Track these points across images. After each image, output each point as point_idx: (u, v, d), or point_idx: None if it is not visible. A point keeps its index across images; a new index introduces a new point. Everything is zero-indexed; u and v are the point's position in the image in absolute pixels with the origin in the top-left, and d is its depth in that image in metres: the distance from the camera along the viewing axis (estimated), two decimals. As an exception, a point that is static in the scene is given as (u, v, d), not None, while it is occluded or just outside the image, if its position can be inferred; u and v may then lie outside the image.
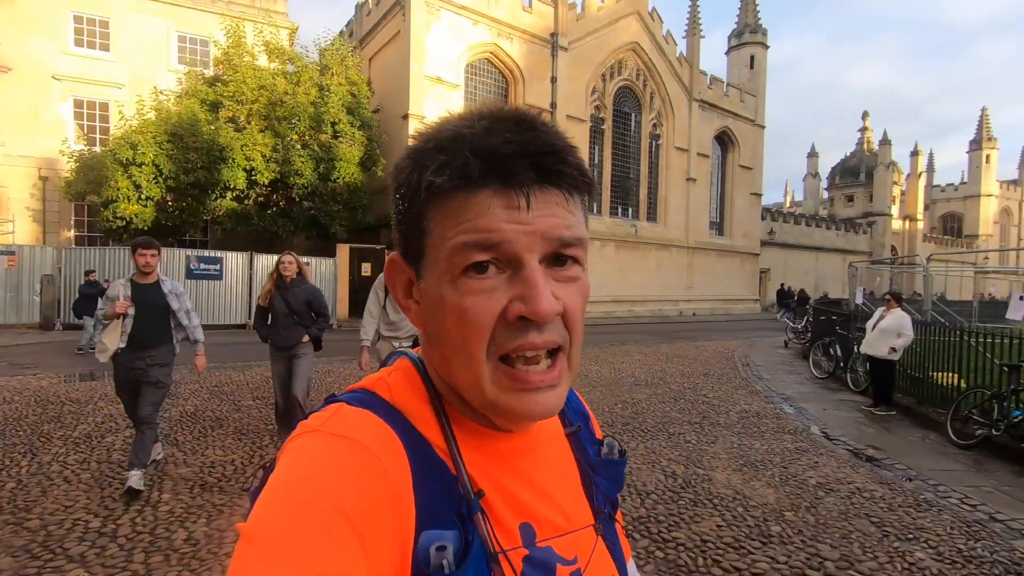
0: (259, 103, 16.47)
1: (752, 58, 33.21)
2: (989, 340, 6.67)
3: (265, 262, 16.13)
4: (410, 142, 0.51)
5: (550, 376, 0.48)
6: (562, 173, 0.47)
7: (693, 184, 28.87)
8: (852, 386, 8.82)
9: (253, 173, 16.02)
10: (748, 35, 33.41)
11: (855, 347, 8.69)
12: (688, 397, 7.91)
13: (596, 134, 25.49)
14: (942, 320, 9.25)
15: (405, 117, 19.34)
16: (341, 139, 17.20)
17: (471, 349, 0.47)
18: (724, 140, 31.56)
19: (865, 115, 50.78)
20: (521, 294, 0.46)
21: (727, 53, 34.37)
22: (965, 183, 58.93)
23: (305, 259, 16.99)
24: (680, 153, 28.45)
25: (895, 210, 45.83)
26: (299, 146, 16.78)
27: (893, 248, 43.87)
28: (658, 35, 26.93)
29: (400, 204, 0.51)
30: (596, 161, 25.69)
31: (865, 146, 49.02)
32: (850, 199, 47.71)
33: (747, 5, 34.13)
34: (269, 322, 4.88)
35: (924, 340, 7.83)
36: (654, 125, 27.82)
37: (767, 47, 33.51)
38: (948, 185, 60.91)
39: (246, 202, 16.67)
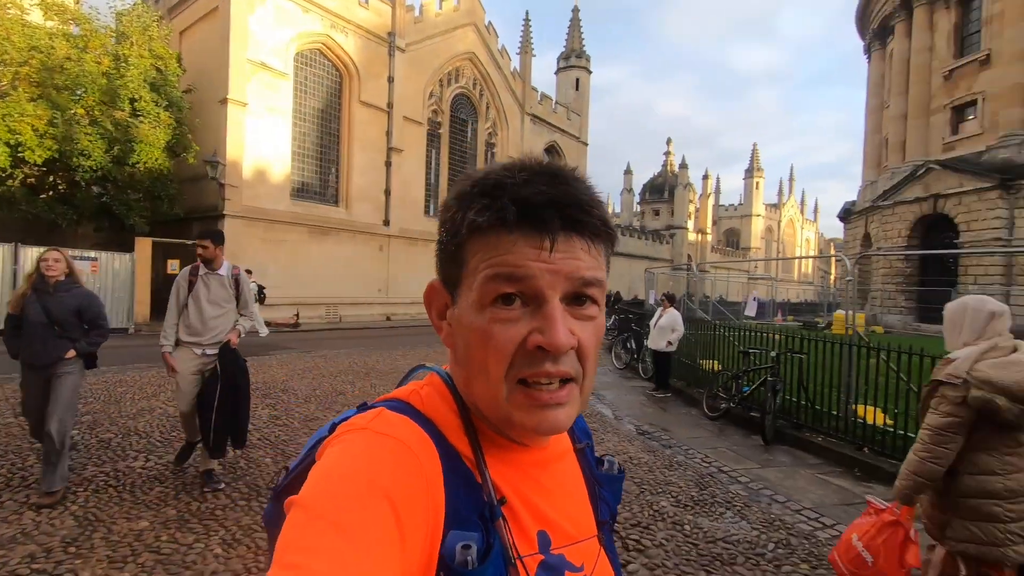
0: (30, 66, 13.84)
1: (577, 80, 36.40)
2: (740, 332, 8.32)
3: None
4: (457, 186, 0.58)
5: (559, 395, 0.53)
6: (585, 223, 0.53)
7: (525, 192, 30.73)
8: (643, 374, 10.31)
9: (20, 149, 13.42)
10: (574, 59, 36.56)
11: (645, 341, 10.17)
12: (506, 390, 8.56)
13: (433, 138, 25.85)
14: (708, 317, 11.23)
15: (223, 102, 17.72)
16: (142, 119, 15.19)
17: (492, 370, 0.52)
18: (552, 153, 34.08)
19: (669, 141, 58.57)
20: (540, 327, 0.51)
21: (556, 73, 37.21)
22: (742, 204, 71.06)
23: (92, 254, 14.68)
24: (513, 162, 30.11)
25: (691, 224, 53.57)
26: (86, 122, 14.44)
27: (689, 256, 51.24)
28: (494, 48, 28.21)
29: (444, 237, 0.58)
30: (434, 165, 26.04)
31: (669, 168, 56.54)
32: (657, 213, 54.64)
33: (573, 32, 37.34)
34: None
35: (694, 334, 9.48)
36: (489, 134, 29.04)
37: (590, 72, 36.99)
38: (730, 205, 72.84)
39: (9, 183, 13.89)
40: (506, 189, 0.52)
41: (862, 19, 32.09)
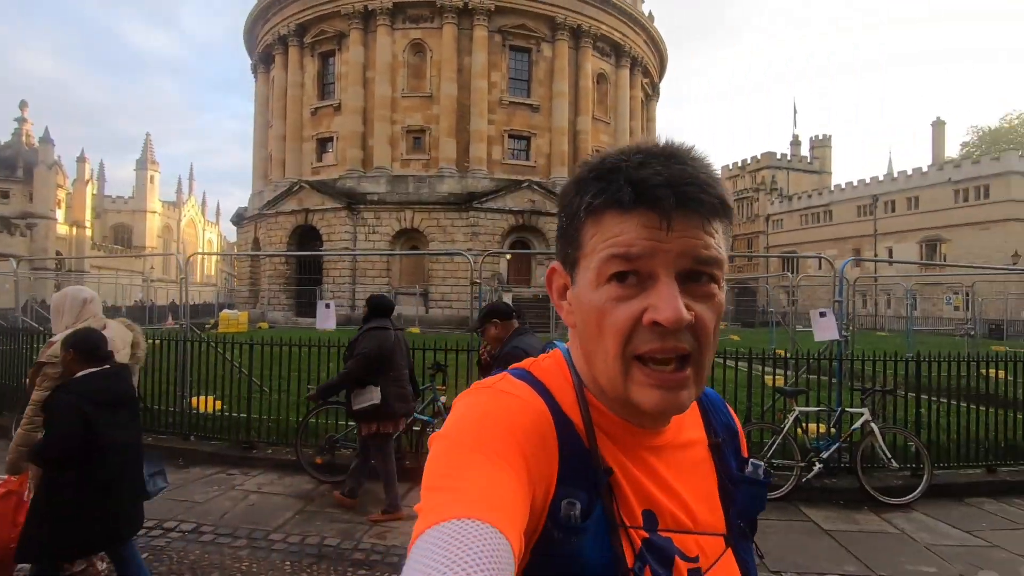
0: None
1: None
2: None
3: None
4: (576, 172, 0.60)
5: (678, 376, 0.54)
6: (701, 200, 0.53)
7: None
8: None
9: None
10: None
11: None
12: None
13: None
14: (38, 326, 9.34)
15: None
16: None
17: (609, 346, 0.54)
18: None
19: (24, 105, 45.66)
20: (655, 303, 0.52)
21: None
22: (133, 198, 63.56)
23: None
24: None
25: (61, 215, 43.61)
26: None
27: (59, 253, 41.58)
28: None
29: (563, 221, 0.61)
30: None
31: (25, 139, 44.02)
32: (6, 196, 41.55)
33: None
34: None
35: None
36: None
37: None
38: (119, 197, 63.83)
39: None
40: (621, 171, 0.54)
41: (249, 40, 34.62)
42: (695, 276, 0.55)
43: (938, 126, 44.87)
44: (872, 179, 42.47)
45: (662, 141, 0.58)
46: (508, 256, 25.35)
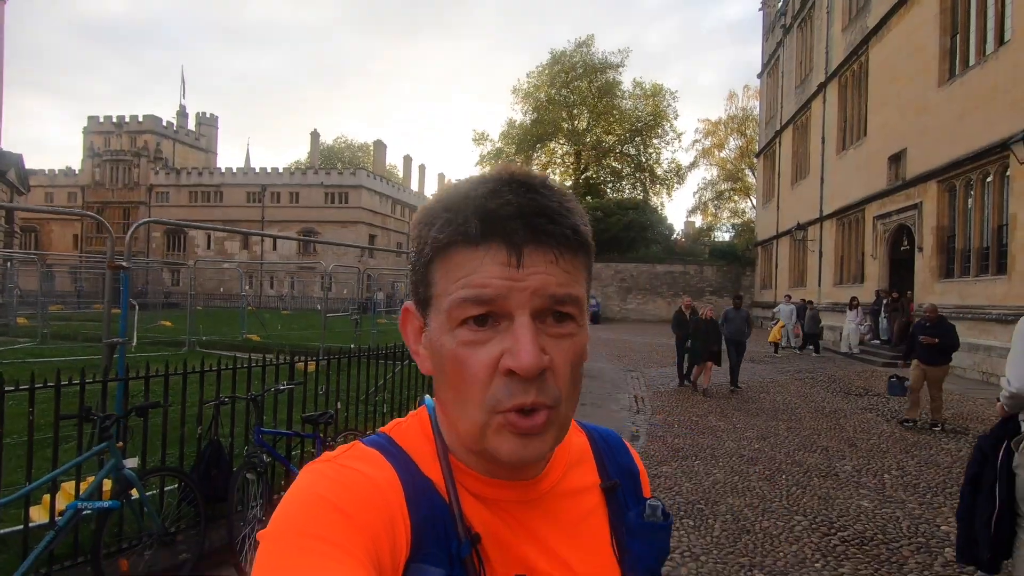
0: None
1: None
2: None
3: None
4: (427, 202, 0.55)
5: (534, 422, 0.48)
6: (552, 233, 0.49)
7: None
8: None
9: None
10: None
11: None
12: None
13: None
14: None
15: None
16: None
17: (468, 397, 0.49)
18: None
19: None
20: (510, 348, 0.47)
21: None
22: None
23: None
24: None
25: None
26: None
27: None
28: None
29: (413, 256, 0.55)
30: None
31: None
32: None
33: None
34: None
35: None
36: None
37: None
38: None
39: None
40: (470, 201, 0.49)
41: None
42: (557, 316, 0.50)
43: (314, 136, 52.67)
44: (262, 169, 45.50)
45: (515, 169, 0.53)
46: None
